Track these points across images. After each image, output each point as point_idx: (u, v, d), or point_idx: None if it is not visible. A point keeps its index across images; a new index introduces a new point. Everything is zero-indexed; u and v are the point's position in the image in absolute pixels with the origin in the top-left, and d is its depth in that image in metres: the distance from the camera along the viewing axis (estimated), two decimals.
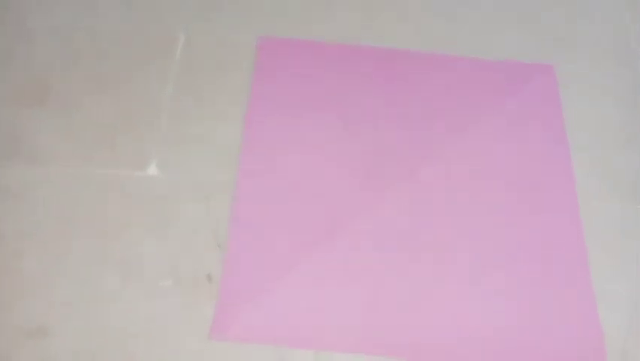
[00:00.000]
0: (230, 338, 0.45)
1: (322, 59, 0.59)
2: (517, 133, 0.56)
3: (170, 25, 0.60)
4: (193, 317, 0.46)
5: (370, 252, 0.49)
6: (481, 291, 0.48)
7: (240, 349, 0.45)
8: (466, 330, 0.46)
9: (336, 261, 0.48)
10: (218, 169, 0.52)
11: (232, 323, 0.46)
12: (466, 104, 0.58)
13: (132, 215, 0.50)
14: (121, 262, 0.47)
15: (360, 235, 0.50)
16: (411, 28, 0.62)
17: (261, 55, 0.59)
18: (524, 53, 0.61)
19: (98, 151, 0.52)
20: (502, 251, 0.50)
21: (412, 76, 0.59)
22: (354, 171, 0.53)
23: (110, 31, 0.59)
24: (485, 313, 0.47)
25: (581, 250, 0.50)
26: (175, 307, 0.46)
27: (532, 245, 0.50)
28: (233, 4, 0.62)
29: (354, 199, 0.51)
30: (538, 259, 0.50)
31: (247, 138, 0.54)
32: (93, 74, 0.56)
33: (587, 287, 0.48)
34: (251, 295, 0.47)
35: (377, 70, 0.59)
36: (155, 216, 0.50)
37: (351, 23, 0.62)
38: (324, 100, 0.57)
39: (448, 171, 0.53)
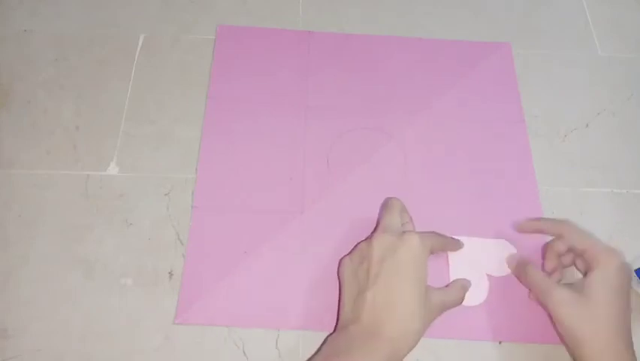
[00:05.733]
0: (193, 321, 0.46)
1: (282, 46, 0.60)
2: (474, 111, 0.57)
3: (129, 27, 0.60)
4: (156, 311, 0.46)
5: (334, 239, 0.50)
6: None
7: (204, 331, 0.46)
8: None
9: (297, 245, 0.49)
10: (178, 166, 0.53)
11: (195, 307, 0.46)
12: (426, 84, 0.59)
13: (93, 214, 0.50)
14: (83, 261, 0.48)
15: (323, 221, 0.50)
16: (369, 13, 0.63)
17: (220, 44, 0.59)
18: (482, 34, 0.63)
19: (58, 153, 0.53)
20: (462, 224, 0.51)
21: (372, 60, 0.60)
22: (316, 158, 0.53)
23: (69, 35, 0.59)
24: None
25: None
26: (138, 303, 0.46)
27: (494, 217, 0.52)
28: (192, 3, 0.62)
29: (316, 187, 0.52)
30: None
31: (207, 133, 0.54)
32: (53, 77, 0.57)
33: None
34: (214, 281, 0.47)
35: (336, 55, 0.60)
36: (117, 215, 0.50)
37: (311, 11, 0.63)
38: (284, 88, 0.57)
39: (406, 153, 0.54)
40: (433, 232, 0.46)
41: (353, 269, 0.43)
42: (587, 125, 0.58)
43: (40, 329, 0.45)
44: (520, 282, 0.47)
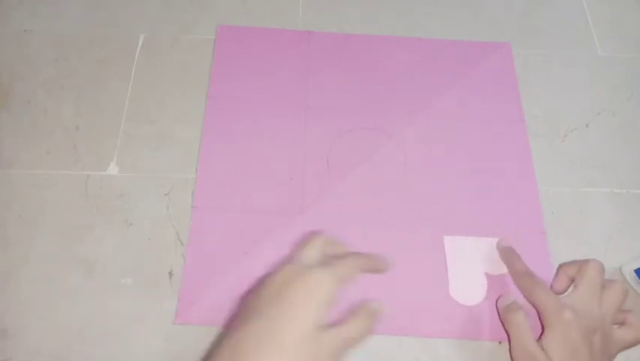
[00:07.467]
0: (193, 321, 0.46)
1: (282, 46, 0.60)
2: (474, 111, 0.57)
3: (129, 27, 0.60)
4: (156, 311, 0.46)
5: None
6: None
7: (204, 332, 0.45)
8: None
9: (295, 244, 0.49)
10: (178, 166, 0.53)
11: (195, 307, 0.46)
12: (426, 84, 0.59)
13: (93, 214, 0.50)
14: (83, 261, 0.48)
15: (323, 221, 0.50)
16: (369, 13, 0.63)
17: (220, 44, 0.59)
18: (482, 34, 0.63)
19: (58, 153, 0.53)
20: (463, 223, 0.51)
21: (372, 60, 0.60)
22: (316, 158, 0.53)
23: (69, 35, 0.59)
24: None
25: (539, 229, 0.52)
26: (138, 303, 0.46)
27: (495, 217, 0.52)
28: (192, 3, 0.62)
29: (316, 187, 0.52)
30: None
31: (207, 133, 0.54)
32: (53, 77, 0.57)
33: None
34: (214, 281, 0.47)
35: (336, 55, 0.60)
36: (117, 215, 0.50)
37: (311, 11, 0.63)
38: (284, 88, 0.57)
39: (406, 153, 0.54)
40: (348, 255, 0.40)
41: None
42: (587, 125, 0.58)
43: (40, 329, 0.45)
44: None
